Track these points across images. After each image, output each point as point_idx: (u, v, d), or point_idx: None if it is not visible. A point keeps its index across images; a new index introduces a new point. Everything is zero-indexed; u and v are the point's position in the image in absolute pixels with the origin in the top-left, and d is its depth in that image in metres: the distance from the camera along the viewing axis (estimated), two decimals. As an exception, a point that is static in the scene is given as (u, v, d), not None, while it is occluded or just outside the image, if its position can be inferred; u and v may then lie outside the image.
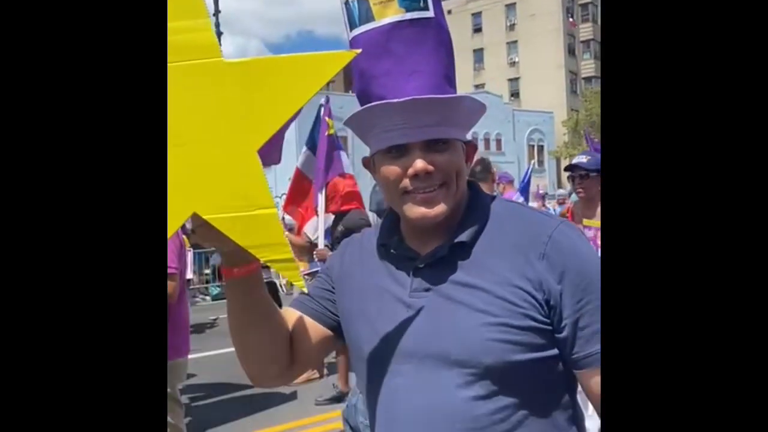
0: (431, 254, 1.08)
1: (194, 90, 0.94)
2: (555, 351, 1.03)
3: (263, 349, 1.14)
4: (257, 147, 0.95)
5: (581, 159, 3.57)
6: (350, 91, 3.90)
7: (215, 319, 8.87)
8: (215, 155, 0.95)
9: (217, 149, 0.95)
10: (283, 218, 5.92)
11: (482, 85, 47.08)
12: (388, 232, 1.15)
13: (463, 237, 1.07)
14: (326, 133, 4.65)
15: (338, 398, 5.00)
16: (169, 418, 2.84)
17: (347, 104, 9.58)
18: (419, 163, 1.03)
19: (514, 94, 47.74)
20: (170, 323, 2.85)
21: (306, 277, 5.84)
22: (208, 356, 6.18)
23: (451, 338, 1.02)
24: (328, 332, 1.19)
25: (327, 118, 4.71)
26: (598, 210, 3.41)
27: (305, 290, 1.13)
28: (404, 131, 1.03)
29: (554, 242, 1.03)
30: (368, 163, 1.14)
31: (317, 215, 4.77)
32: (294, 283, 1.01)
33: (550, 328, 1.02)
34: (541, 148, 41.95)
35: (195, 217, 0.97)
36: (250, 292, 1.09)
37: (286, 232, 5.67)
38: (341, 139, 5.16)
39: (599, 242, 3.27)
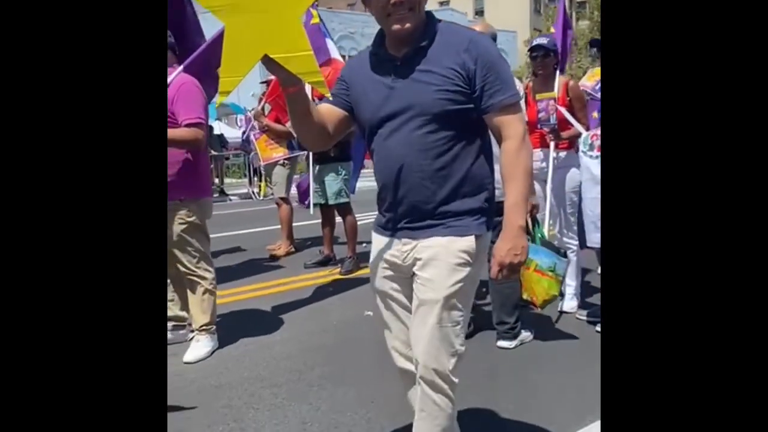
0: (404, 55, 1.80)
1: None
2: (472, 105, 1.76)
3: (315, 129, 1.90)
4: (300, 14, 1.68)
5: (542, 40, 4.12)
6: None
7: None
8: (275, 20, 1.62)
9: (275, 17, 1.62)
10: (263, 108, 6.22)
11: (447, 2, 46.41)
12: (377, 45, 1.88)
13: (423, 43, 1.78)
14: (311, 22, 5.09)
15: (324, 262, 5.71)
16: (198, 245, 3.45)
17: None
18: None
19: (479, 12, 47.24)
20: (197, 168, 3.41)
21: (285, 161, 6.35)
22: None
23: (413, 100, 1.77)
24: (345, 113, 1.94)
25: (312, 9, 5.12)
26: (550, 85, 4.05)
27: (329, 96, 1.89)
28: None
29: (473, 42, 1.76)
30: (367, 1, 1.82)
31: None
32: (321, 90, 1.79)
33: (469, 91, 1.75)
34: (503, 68, 41.82)
35: (264, 58, 1.64)
36: (300, 102, 1.80)
37: (268, 121, 6.05)
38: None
39: (550, 109, 3.93)
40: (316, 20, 5.17)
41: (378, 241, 1.96)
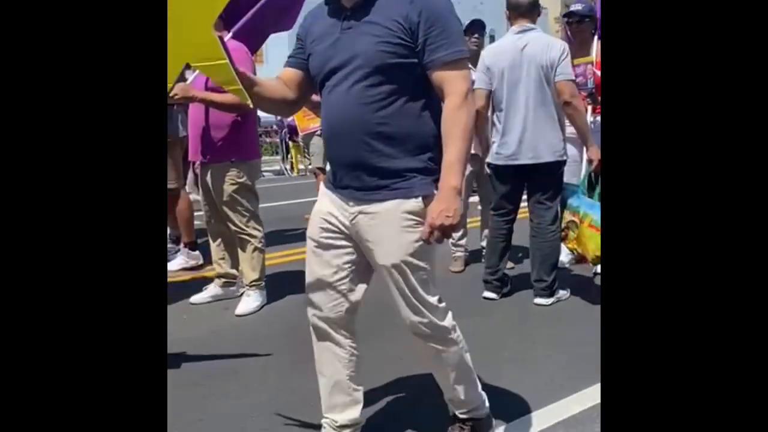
0: (353, 5, 1.75)
1: None
2: (415, 60, 1.70)
3: (274, 104, 1.95)
4: (210, 23, 1.69)
5: (576, 7, 4.18)
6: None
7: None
8: (189, 29, 1.65)
9: (188, 26, 1.64)
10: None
11: (477, -20, 45.72)
12: None
13: None
14: None
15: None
16: (248, 204, 3.62)
17: None
18: None
19: (509, -10, 46.44)
20: (246, 130, 3.57)
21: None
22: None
23: (356, 52, 1.71)
24: (304, 72, 1.91)
25: None
26: (586, 50, 4.11)
27: (250, 104, 1.87)
28: None
29: None
30: None
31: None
32: (242, 99, 1.81)
33: (412, 45, 1.69)
34: (534, 46, 41.24)
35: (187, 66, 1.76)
36: (248, 89, 1.82)
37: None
38: None
39: (588, 74, 3.99)
40: None
41: (324, 193, 1.92)
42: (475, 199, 4.82)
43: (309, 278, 1.93)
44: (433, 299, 1.85)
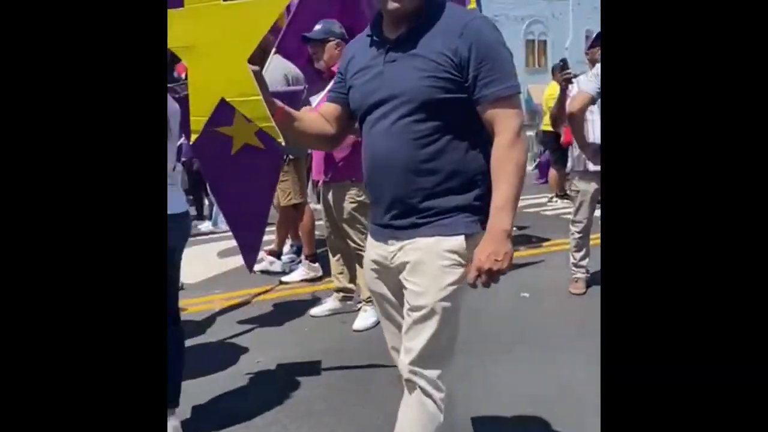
0: (397, 38, 1.68)
1: (201, 26, 1.68)
2: (464, 95, 1.62)
3: (313, 138, 1.91)
4: (245, 58, 1.66)
5: None
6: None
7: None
8: (224, 63, 1.66)
9: (224, 60, 1.66)
10: None
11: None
12: (374, 27, 1.76)
13: (417, 24, 1.66)
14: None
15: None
16: (366, 222, 3.70)
17: None
18: None
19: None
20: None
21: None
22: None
23: (401, 86, 1.64)
24: (344, 107, 1.85)
25: None
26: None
27: (282, 141, 1.71)
28: None
29: (469, 27, 1.61)
30: None
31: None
32: (274, 135, 1.68)
33: (461, 80, 1.61)
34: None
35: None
36: (287, 124, 1.76)
37: None
38: None
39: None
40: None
41: (369, 242, 1.86)
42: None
43: (385, 331, 1.91)
44: (449, 355, 1.72)
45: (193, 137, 1.81)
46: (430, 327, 1.66)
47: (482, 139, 1.68)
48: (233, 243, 3.80)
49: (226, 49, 1.66)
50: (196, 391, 2.78)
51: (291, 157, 4.47)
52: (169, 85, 2.40)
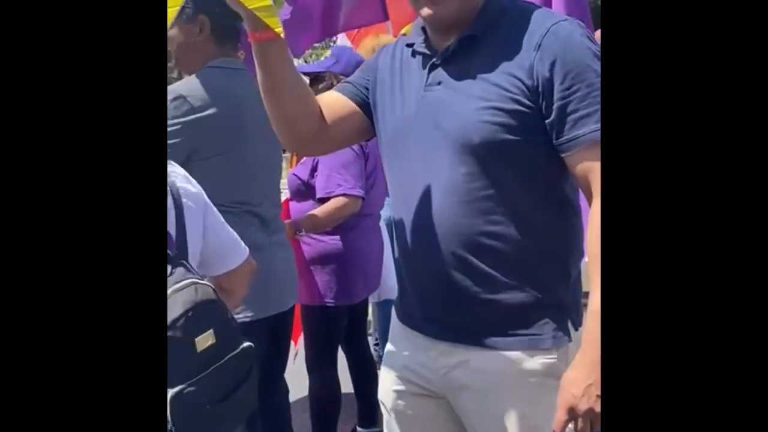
0: (445, 50, 1.16)
1: None
2: (542, 136, 1.10)
3: (290, 106, 1.21)
4: None
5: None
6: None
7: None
8: None
9: None
10: None
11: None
12: (417, 33, 1.23)
13: (472, 31, 1.14)
14: None
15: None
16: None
17: None
18: None
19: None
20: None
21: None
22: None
23: (449, 121, 1.13)
24: (357, 109, 1.27)
25: None
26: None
27: (281, 34, 1.13)
28: None
29: (551, 34, 1.08)
30: None
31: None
32: (273, 28, 1.12)
33: (537, 112, 1.08)
34: None
35: None
36: (275, 55, 1.15)
37: None
38: None
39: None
40: None
41: (397, 332, 1.30)
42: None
43: None
44: None
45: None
46: None
47: (571, 202, 1.19)
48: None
49: None
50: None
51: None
52: None
